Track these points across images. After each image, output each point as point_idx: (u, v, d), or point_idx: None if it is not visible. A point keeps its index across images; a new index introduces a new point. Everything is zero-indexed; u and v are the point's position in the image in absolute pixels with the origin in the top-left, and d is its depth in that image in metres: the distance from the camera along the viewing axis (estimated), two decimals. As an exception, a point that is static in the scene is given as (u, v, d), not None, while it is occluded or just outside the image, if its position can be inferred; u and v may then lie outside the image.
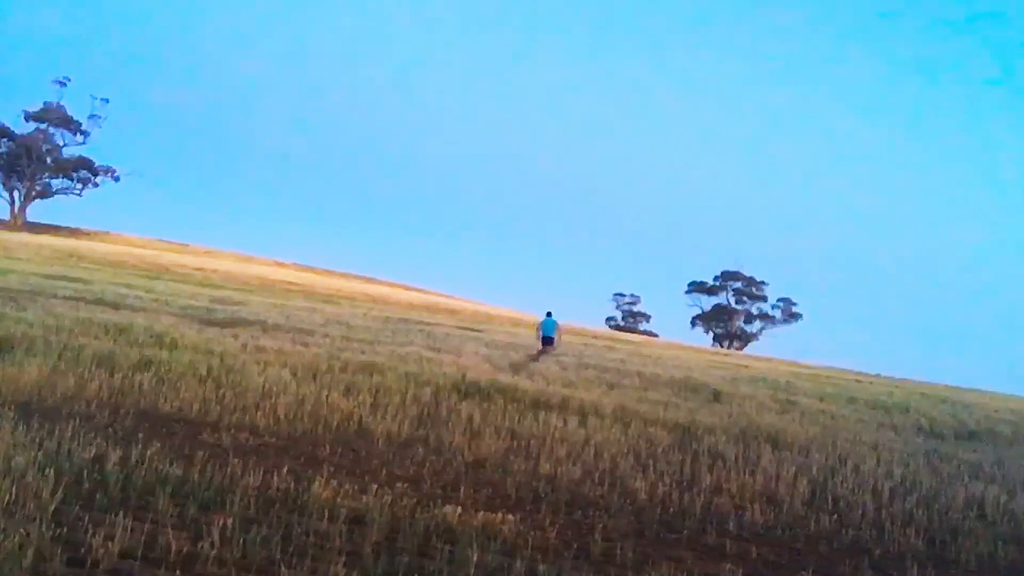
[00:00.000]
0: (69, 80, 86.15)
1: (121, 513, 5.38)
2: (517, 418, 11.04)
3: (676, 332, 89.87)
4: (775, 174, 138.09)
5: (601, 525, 6.66)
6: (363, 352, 17.08)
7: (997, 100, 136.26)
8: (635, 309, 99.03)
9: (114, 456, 6.58)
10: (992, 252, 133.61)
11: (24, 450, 6.39)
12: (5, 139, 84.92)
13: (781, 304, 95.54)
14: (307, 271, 76.01)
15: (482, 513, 6.53)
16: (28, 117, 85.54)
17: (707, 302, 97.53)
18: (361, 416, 9.87)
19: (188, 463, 6.79)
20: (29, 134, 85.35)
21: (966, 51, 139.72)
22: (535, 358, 22.17)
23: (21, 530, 4.81)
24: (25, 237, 62.26)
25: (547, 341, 24.84)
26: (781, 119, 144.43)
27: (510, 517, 6.54)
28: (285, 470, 6.87)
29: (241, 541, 5.20)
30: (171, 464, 6.66)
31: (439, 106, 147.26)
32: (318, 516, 5.93)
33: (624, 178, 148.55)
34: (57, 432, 7.06)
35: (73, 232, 79.72)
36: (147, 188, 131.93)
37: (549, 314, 25.37)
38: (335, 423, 9.41)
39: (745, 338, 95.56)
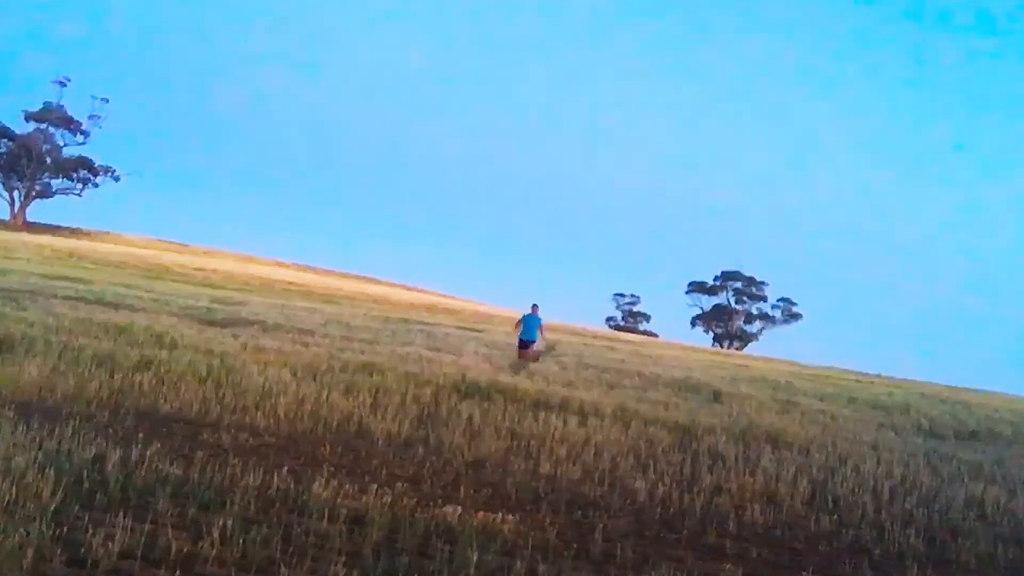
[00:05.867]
0: (69, 80, 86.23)
1: (121, 513, 5.37)
2: (517, 418, 11.03)
3: (676, 332, 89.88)
4: (775, 174, 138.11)
5: (601, 525, 6.65)
6: (363, 352, 17.07)
7: (1001, 100, 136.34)
8: (635, 309, 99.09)
9: (114, 456, 6.57)
10: (993, 252, 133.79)
11: (24, 450, 6.38)
12: (5, 139, 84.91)
13: (781, 304, 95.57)
14: (307, 271, 76.01)
15: (482, 513, 6.53)
16: (28, 117, 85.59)
17: (707, 302, 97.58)
18: (361, 416, 9.87)
19: (188, 463, 6.78)
20: (29, 134, 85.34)
21: (972, 52, 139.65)
22: (516, 367, 18.36)
23: (21, 530, 4.81)
24: (25, 237, 62.24)
25: (525, 344, 20.17)
26: (781, 119, 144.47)
27: (510, 517, 6.54)
28: (285, 470, 6.86)
29: (241, 541, 5.19)
30: (171, 464, 6.65)
31: (439, 106, 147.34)
32: (318, 516, 5.93)
33: (624, 178, 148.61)
34: (57, 432, 7.05)
35: (73, 232, 79.70)
36: (147, 188, 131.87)
37: (535, 308, 20.32)
38: (335, 423, 9.40)
39: (745, 338, 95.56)
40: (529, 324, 20.19)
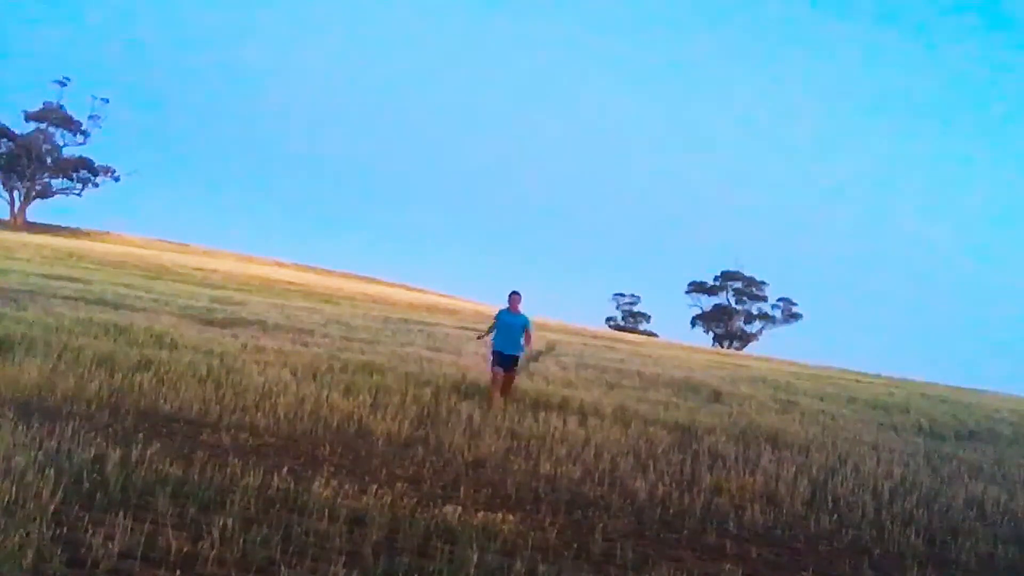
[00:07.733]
0: (69, 80, 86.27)
1: (121, 513, 5.37)
2: (517, 418, 11.04)
3: (676, 332, 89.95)
4: (775, 174, 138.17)
5: (601, 525, 6.66)
6: (363, 352, 17.07)
7: (1006, 98, 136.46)
8: (635, 309, 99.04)
9: (114, 456, 6.57)
10: (992, 252, 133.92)
11: (24, 450, 6.38)
12: (5, 139, 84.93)
13: (781, 304, 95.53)
14: (307, 271, 75.99)
15: (482, 513, 6.53)
16: (28, 117, 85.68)
17: (707, 302, 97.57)
18: (361, 416, 9.87)
19: (188, 463, 6.78)
20: (29, 134, 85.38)
21: (975, 49, 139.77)
22: (494, 391, 12.33)
23: (21, 530, 4.81)
24: (25, 237, 62.22)
25: (507, 360, 12.57)
26: (781, 118, 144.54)
27: (510, 517, 6.54)
28: (285, 470, 6.87)
29: (241, 541, 5.19)
30: (171, 464, 6.65)
31: (439, 105, 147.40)
32: (318, 516, 5.93)
33: (624, 178, 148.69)
34: (57, 432, 7.06)
35: (73, 232, 79.71)
36: (147, 188, 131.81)
37: (515, 297, 12.70)
38: (335, 423, 9.40)
39: (745, 338, 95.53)
40: (509, 327, 12.62)
